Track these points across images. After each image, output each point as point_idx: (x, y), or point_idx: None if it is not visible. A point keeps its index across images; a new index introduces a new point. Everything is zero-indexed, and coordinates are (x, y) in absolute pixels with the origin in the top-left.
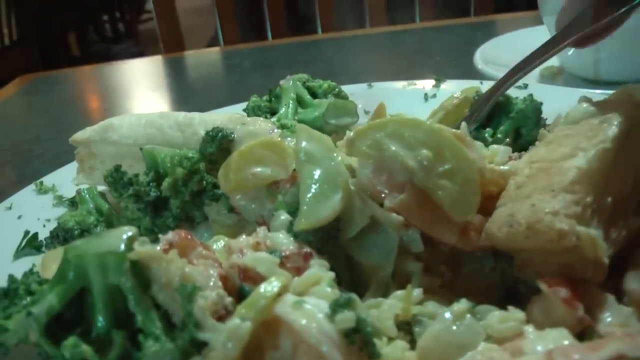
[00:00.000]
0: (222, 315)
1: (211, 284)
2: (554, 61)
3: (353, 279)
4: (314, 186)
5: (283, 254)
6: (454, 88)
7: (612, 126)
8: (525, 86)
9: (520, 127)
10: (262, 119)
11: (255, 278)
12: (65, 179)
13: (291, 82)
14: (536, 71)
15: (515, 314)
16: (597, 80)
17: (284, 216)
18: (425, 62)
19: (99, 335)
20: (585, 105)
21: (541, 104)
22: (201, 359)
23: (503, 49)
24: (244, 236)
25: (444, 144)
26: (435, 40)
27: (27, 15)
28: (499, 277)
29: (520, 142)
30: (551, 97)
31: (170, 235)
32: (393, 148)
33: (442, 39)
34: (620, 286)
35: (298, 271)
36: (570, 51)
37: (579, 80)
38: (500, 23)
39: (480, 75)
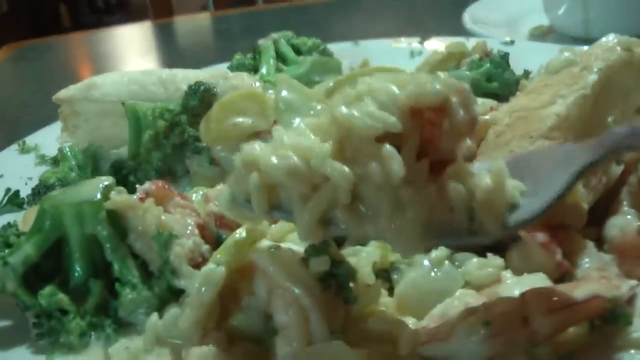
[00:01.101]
0: (199, 263)
1: (188, 232)
2: (544, 20)
3: None
4: None
5: None
6: (439, 45)
7: (592, 73)
8: (512, 42)
9: (491, 72)
10: (246, 74)
11: (231, 225)
12: (48, 139)
13: (270, 41)
14: (526, 30)
15: (493, 260)
16: (586, 38)
17: None
18: (415, 23)
19: (76, 284)
20: (566, 54)
21: (508, 53)
22: (178, 306)
23: (492, 8)
24: (221, 185)
25: None
26: (425, 2)
27: None
28: None
29: (493, 86)
30: (537, 53)
31: (147, 185)
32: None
33: (432, 0)
34: (602, 234)
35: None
36: (560, 10)
37: (569, 39)
38: None
39: (468, 35)
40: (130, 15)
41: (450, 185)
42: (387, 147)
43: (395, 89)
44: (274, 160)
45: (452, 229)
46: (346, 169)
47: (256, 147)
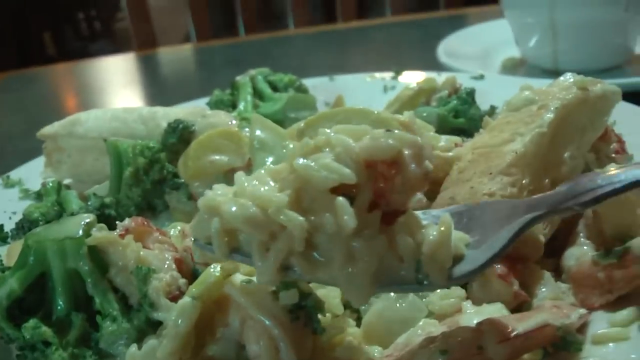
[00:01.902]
0: (176, 296)
1: (166, 266)
2: (515, 52)
3: None
4: None
5: None
6: (412, 79)
7: (549, 112)
8: (482, 77)
9: (458, 108)
10: (224, 112)
11: (207, 260)
12: (32, 173)
13: (247, 77)
14: (498, 62)
15: (455, 291)
16: (556, 70)
17: None
18: (392, 56)
19: (59, 317)
20: (526, 93)
21: (474, 90)
22: (156, 338)
23: (465, 42)
24: None
25: None
26: (403, 34)
27: (3, 14)
28: None
29: (459, 121)
30: (506, 87)
31: (126, 221)
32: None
33: (410, 33)
34: (560, 265)
35: None
36: (531, 43)
37: (539, 71)
38: (468, 16)
39: (442, 68)
40: (114, 42)
41: (399, 236)
42: (340, 199)
43: (351, 141)
44: (234, 208)
45: (400, 278)
46: (301, 218)
47: (218, 193)
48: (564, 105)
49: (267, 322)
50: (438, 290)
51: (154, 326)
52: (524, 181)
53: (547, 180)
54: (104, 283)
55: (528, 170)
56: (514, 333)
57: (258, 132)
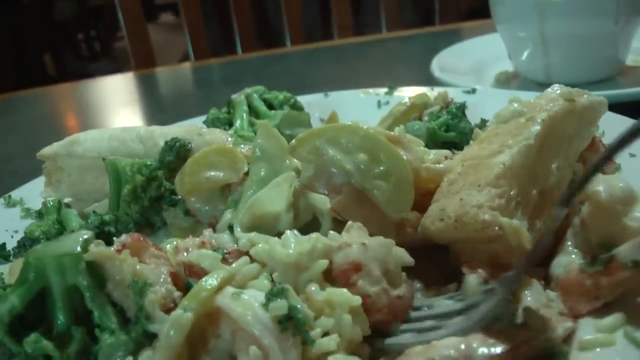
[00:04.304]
0: (171, 308)
1: (161, 280)
2: (508, 66)
3: None
4: (258, 184)
5: (226, 251)
6: (406, 94)
7: (536, 124)
8: (474, 90)
9: (448, 122)
10: (219, 130)
11: (200, 273)
12: (33, 193)
13: (242, 95)
14: (492, 76)
15: None
16: (548, 83)
17: (229, 216)
18: (388, 71)
19: (59, 332)
20: (514, 105)
21: (465, 104)
22: (152, 350)
23: (459, 56)
24: (190, 237)
25: (379, 147)
26: (399, 50)
27: (2, 35)
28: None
29: (450, 135)
30: (498, 100)
31: (123, 237)
32: (331, 152)
33: (405, 48)
34: (548, 273)
35: None
36: (523, 56)
37: (532, 84)
38: (464, 31)
39: (436, 83)
40: (114, 62)
41: None
42: None
43: None
44: None
45: None
46: None
47: None
48: (551, 116)
49: (256, 332)
50: None
51: (151, 338)
52: (511, 192)
53: (534, 191)
54: (102, 297)
55: (516, 182)
56: (503, 347)
57: (261, 141)
